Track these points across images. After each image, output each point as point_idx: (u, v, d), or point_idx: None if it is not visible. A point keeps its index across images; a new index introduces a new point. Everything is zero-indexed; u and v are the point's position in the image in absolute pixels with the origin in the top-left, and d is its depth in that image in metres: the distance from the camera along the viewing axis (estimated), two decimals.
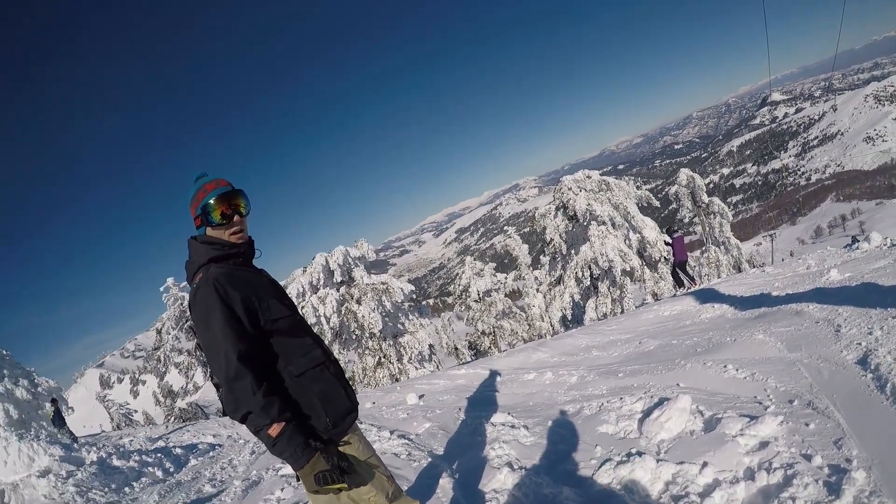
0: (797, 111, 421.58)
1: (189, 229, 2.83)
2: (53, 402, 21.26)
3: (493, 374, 10.13)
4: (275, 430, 2.38)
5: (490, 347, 27.65)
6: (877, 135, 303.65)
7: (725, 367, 5.49)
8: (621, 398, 5.58)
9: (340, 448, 2.64)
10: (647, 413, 4.76)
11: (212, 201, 2.65)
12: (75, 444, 13.88)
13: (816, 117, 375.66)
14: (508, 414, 6.46)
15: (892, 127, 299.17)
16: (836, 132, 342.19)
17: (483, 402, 8.19)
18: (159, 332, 28.92)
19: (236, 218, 2.70)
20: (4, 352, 25.92)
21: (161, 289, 28.39)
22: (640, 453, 4.02)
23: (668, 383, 5.68)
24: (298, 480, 2.59)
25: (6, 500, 8.77)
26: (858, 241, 13.01)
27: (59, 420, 20.72)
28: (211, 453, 11.14)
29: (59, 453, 10.40)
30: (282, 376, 2.61)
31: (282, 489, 6.17)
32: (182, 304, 27.95)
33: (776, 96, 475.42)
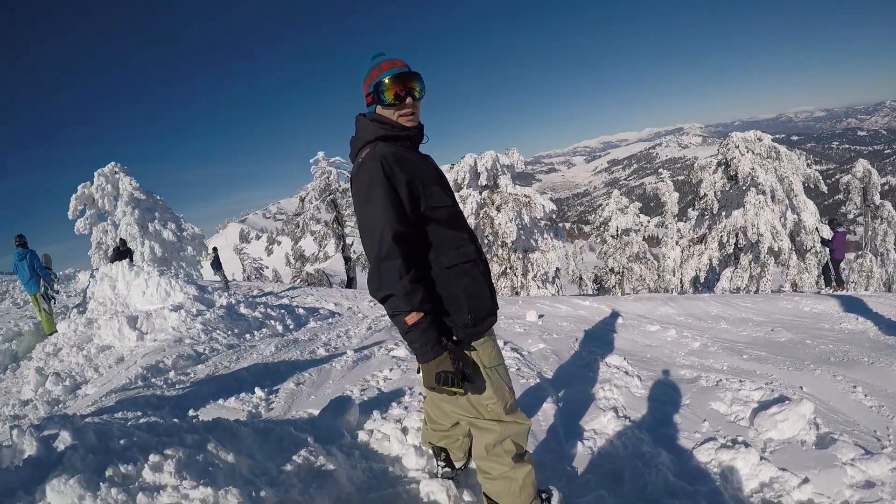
0: None
1: (354, 107, 2.88)
2: (215, 249, 23.19)
3: (616, 314, 10.14)
4: (412, 318, 2.38)
5: (615, 287, 27.48)
6: None
7: (855, 387, 5.20)
8: (741, 381, 5.50)
9: (474, 350, 2.67)
10: (763, 405, 4.64)
11: (386, 80, 2.62)
12: (224, 288, 15.08)
13: None
14: (624, 359, 6.51)
15: None
16: None
17: (601, 339, 8.26)
18: (302, 199, 30.68)
19: (408, 100, 2.65)
20: (158, 197, 28.38)
21: (311, 161, 30.39)
22: (745, 444, 3.95)
23: (792, 383, 5.49)
24: (418, 372, 2.59)
25: (138, 325, 9.56)
26: None
27: (217, 265, 22.54)
28: (330, 320, 11.71)
29: (193, 293, 11.22)
30: (431, 266, 2.60)
31: (390, 369, 6.42)
32: (328, 177, 29.42)
33: None
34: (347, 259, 30.62)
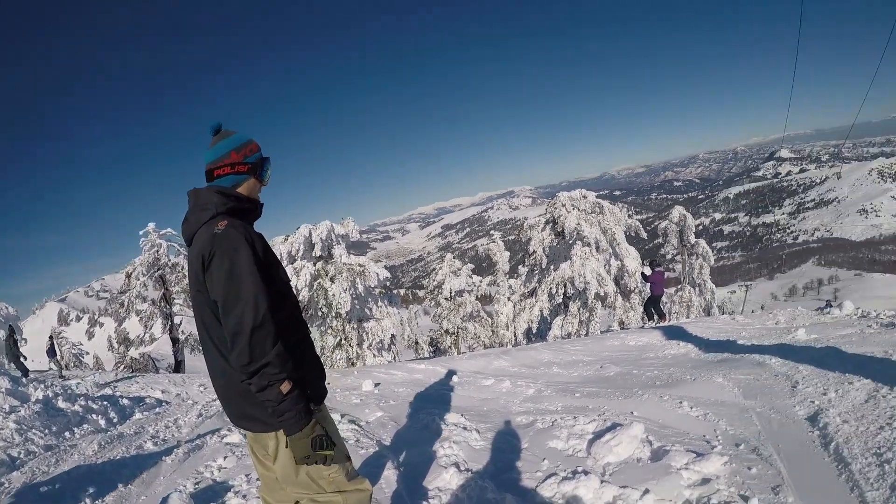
0: (801, 171, 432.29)
1: (185, 178, 2.78)
2: (51, 338, 21.52)
3: (451, 373, 10.16)
4: (286, 386, 2.34)
5: (451, 347, 27.90)
6: (872, 209, 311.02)
7: (681, 403, 5.56)
8: (575, 417, 5.64)
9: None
10: (598, 435, 4.82)
11: (268, 161, 2.78)
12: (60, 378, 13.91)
13: (818, 181, 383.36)
14: (462, 415, 6.51)
15: (888, 204, 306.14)
16: (834, 199, 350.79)
17: (438, 399, 8.22)
18: (129, 275, 28.22)
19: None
20: None
21: (140, 232, 27.53)
22: (585, 472, 4.07)
23: (623, 410, 5.73)
24: (287, 447, 2.51)
25: None
26: (831, 306, 12.92)
27: (52, 352, 21.00)
28: (157, 409, 10.97)
29: (5, 385, 10.19)
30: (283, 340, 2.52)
31: (224, 457, 6.11)
32: (158, 251, 27.61)
33: (784, 153, 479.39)
34: (175, 340, 28.64)
